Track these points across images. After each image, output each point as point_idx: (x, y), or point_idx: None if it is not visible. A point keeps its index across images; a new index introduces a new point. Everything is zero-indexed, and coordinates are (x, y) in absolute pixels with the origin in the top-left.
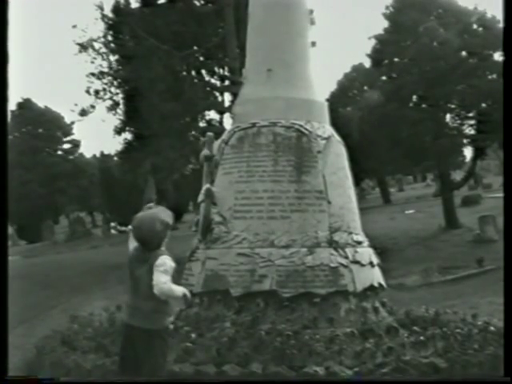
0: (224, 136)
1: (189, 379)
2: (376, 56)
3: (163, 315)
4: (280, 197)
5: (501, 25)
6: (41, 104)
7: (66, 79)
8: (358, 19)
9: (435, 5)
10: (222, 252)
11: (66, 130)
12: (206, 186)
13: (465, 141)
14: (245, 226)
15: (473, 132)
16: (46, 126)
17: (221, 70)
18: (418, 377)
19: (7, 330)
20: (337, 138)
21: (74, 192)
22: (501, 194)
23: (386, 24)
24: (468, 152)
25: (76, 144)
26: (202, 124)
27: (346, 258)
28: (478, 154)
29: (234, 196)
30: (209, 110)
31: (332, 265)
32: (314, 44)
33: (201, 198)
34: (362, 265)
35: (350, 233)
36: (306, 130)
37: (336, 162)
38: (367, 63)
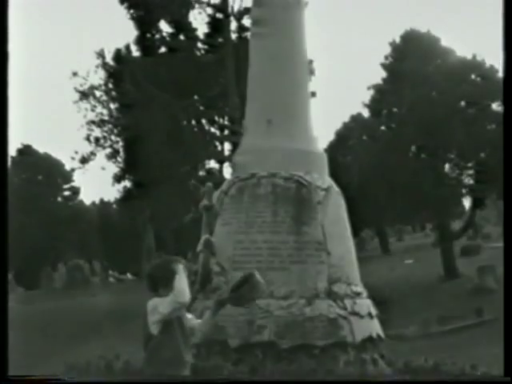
0: (224, 186)
1: (189, 379)
2: (375, 106)
3: None
4: (279, 248)
5: (500, 74)
6: (41, 150)
7: (67, 126)
8: (356, 68)
9: (434, 55)
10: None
11: (66, 176)
12: (205, 237)
13: (464, 190)
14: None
15: (472, 182)
16: (46, 172)
17: (221, 120)
18: (418, 377)
19: (7, 330)
20: (336, 188)
21: (73, 239)
22: (500, 244)
23: (384, 74)
24: (467, 202)
25: (76, 191)
26: (201, 173)
27: (345, 309)
28: (477, 203)
29: (233, 246)
30: (209, 159)
31: (331, 316)
32: (314, 94)
33: (200, 247)
34: (361, 316)
35: (349, 284)
36: (306, 181)
37: (335, 212)
38: (366, 113)
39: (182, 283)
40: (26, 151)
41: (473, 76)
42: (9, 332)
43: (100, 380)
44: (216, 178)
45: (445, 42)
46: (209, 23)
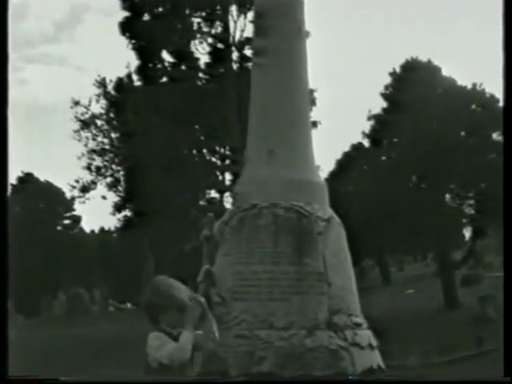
0: (225, 217)
1: (189, 379)
2: (375, 136)
3: None
4: (280, 278)
5: (500, 104)
6: (42, 178)
7: (68, 155)
8: (357, 97)
9: (435, 84)
10: (220, 333)
11: (67, 205)
12: (205, 267)
13: (464, 220)
14: (244, 307)
15: (472, 212)
16: (47, 200)
17: (222, 149)
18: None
19: (7, 330)
20: (337, 219)
21: (73, 268)
22: (501, 274)
23: (384, 103)
24: (468, 231)
25: (76, 220)
26: (202, 202)
27: (346, 340)
28: (478, 233)
29: (234, 277)
30: (209, 188)
31: (331, 347)
32: (315, 124)
33: (200, 278)
34: (362, 347)
35: (350, 315)
36: (307, 211)
37: (336, 243)
38: (366, 142)
39: (185, 339)
40: (27, 179)
41: (473, 106)
42: (8, 361)
43: (100, 380)
44: (217, 207)
45: (445, 72)
46: (210, 53)
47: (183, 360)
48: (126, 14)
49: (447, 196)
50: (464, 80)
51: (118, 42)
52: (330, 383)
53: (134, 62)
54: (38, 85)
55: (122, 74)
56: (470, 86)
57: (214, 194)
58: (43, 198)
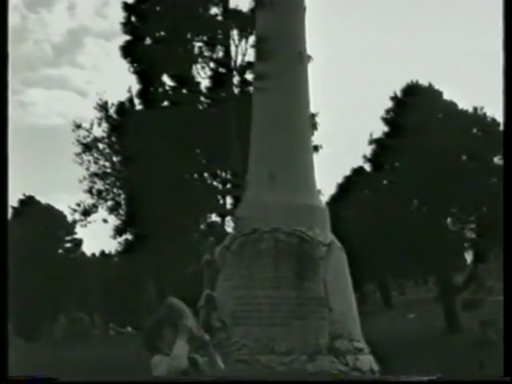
0: (226, 241)
1: (189, 379)
2: (376, 160)
3: None
4: (281, 303)
5: (500, 128)
6: (43, 201)
7: (69, 178)
8: (358, 122)
9: (436, 108)
10: (221, 358)
11: (68, 228)
12: (206, 292)
13: (465, 244)
14: (245, 332)
15: (473, 236)
16: (48, 224)
17: (223, 173)
18: (418, 377)
19: (7, 330)
20: (338, 244)
21: (73, 291)
22: (502, 297)
23: (385, 127)
24: (469, 255)
25: (77, 243)
26: (203, 226)
27: (347, 365)
28: (479, 257)
29: (235, 302)
30: (210, 212)
31: (333, 372)
32: (316, 149)
33: (201, 303)
34: (363, 372)
35: (351, 340)
36: (308, 236)
37: (337, 268)
38: (367, 166)
39: (179, 348)
40: (28, 202)
41: (474, 130)
42: (8, 361)
43: (100, 380)
44: (218, 231)
45: (446, 95)
46: (211, 77)
47: (180, 368)
48: (128, 37)
49: (448, 220)
50: (465, 104)
51: (118, 66)
52: (329, 383)
53: (135, 85)
54: (38, 108)
55: (123, 97)
56: (471, 110)
57: (215, 217)
58: (44, 221)
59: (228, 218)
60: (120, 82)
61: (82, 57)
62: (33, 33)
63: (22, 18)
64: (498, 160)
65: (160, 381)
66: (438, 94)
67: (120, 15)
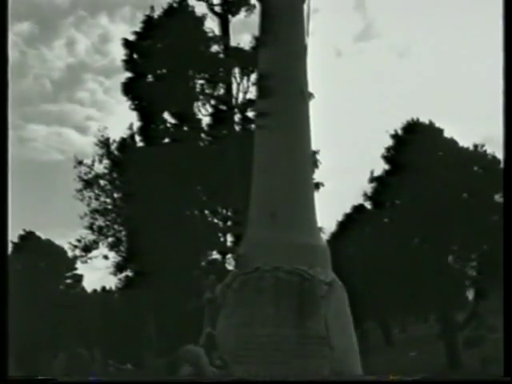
0: (227, 280)
1: (189, 379)
2: (377, 198)
3: None
4: (281, 342)
5: (501, 165)
6: (43, 237)
7: (70, 213)
8: (358, 159)
9: (436, 146)
10: None
11: (69, 264)
12: (207, 330)
13: (467, 282)
14: (245, 370)
15: (475, 273)
16: (48, 259)
17: (224, 211)
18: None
19: (7, 330)
20: (339, 282)
21: (73, 327)
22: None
23: (386, 164)
24: (470, 293)
25: (78, 279)
26: (204, 264)
27: None
28: (481, 294)
29: (236, 340)
30: (211, 250)
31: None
32: (317, 186)
33: (202, 341)
34: None
35: None
36: (309, 275)
37: (338, 306)
38: (368, 204)
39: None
40: (28, 237)
41: (475, 167)
42: (8, 361)
43: (99, 380)
44: (218, 269)
45: (447, 133)
46: (213, 114)
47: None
48: (129, 74)
49: (449, 258)
50: (465, 141)
51: (117, 103)
52: (329, 383)
53: (135, 121)
54: (37, 143)
55: (120, 133)
56: (471, 148)
57: (215, 255)
58: (44, 257)
59: (229, 256)
60: (119, 119)
61: (81, 93)
62: (32, 68)
63: (21, 53)
64: (498, 198)
65: (159, 381)
66: (439, 132)
67: (118, 52)
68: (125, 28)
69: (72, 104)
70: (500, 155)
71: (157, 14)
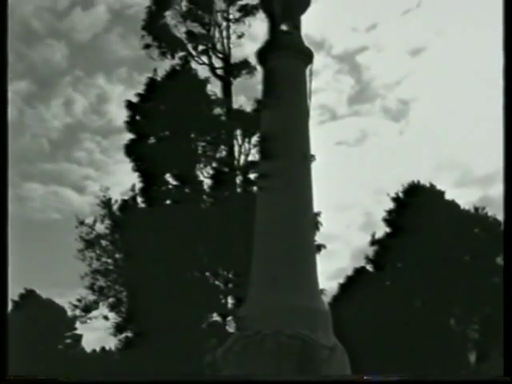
0: (228, 343)
1: (189, 379)
2: (379, 260)
3: None
4: None
5: (502, 227)
6: (44, 295)
7: (69, 273)
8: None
9: (437, 209)
10: None
11: (68, 324)
12: None
13: (469, 344)
14: None
15: (477, 336)
16: (48, 318)
17: (225, 273)
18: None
19: (7, 330)
20: (340, 346)
21: None
22: None
23: (387, 228)
24: (473, 355)
25: (77, 339)
26: (204, 326)
27: None
28: (483, 356)
29: None
30: (212, 312)
31: None
32: (319, 248)
33: None
34: None
35: None
36: (311, 339)
37: (340, 370)
38: (370, 267)
39: None
40: (28, 296)
41: (476, 230)
42: (8, 361)
43: (100, 380)
44: (219, 331)
45: (448, 195)
46: (214, 176)
47: None
48: (131, 135)
49: (451, 320)
50: (467, 203)
51: (115, 163)
52: (331, 383)
53: (128, 179)
54: (34, 202)
55: (117, 194)
56: (472, 210)
57: (216, 317)
58: (44, 316)
59: (229, 318)
60: (116, 179)
61: (78, 153)
62: (30, 127)
63: (19, 112)
64: (500, 260)
65: (157, 380)
66: (440, 195)
67: (115, 113)
68: (122, 88)
69: (69, 163)
70: (500, 217)
71: (160, 76)
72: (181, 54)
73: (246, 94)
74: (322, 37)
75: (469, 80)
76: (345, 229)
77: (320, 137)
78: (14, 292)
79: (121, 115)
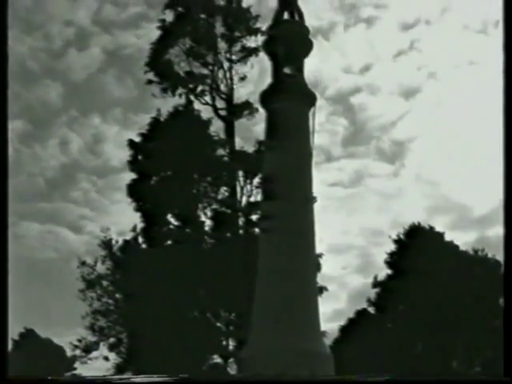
0: None
1: (189, 379)
2: (380, 303)
3: None
4: None
5: (502, 268)
6: (43, 335)
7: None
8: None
9: (437, 250)
10: None
11: (68, 364)
12: None
13: None
14: None
15: (482, 377)
16: (47, 358)
17: (226, 314)
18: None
19: (7, 330)
20: None
21: None
22: None
23: (389, 270)
24: None
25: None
26: (205, 367)
27: None
28: None
29: None
30: (213, 354)
31: None
32: (321, 291)
33: None
34: None
35: None
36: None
37: None
38: (372, 309)
39: None
40: (28, 335)
41: (477, 271)
42: (8, 361)
43: (100, 380)
44: (220, 373)
45: (448, 237)
46: (216, 217)
47: None
48: (133, 175)
49: (453, 362)
50: (464, 245)
51: (110, 203)
52: (331, 383)
53: (125, 219)
54: (31, 240)
55: (114, 234)
56: (471, 251)
57: (217, 358)
58: (44, 356)
59: (231, 360)
60: (112, 219)
61: (74, 192)
62: (26, 166)
63: (15, 151)
64: (502, 302)
65: (157, 380)
66: (439, 236)
67: (111, 153)
68: (117, 129)
69: (65, 202)
70: (500, 258)
71: (162, 116)
72: (181, 90)
73: (246, 134)
74: (315, 78)
75: (463, 120)
76: (340, 270)
77: (315, 178)
78: (14, 331)
79: (116, 155)
